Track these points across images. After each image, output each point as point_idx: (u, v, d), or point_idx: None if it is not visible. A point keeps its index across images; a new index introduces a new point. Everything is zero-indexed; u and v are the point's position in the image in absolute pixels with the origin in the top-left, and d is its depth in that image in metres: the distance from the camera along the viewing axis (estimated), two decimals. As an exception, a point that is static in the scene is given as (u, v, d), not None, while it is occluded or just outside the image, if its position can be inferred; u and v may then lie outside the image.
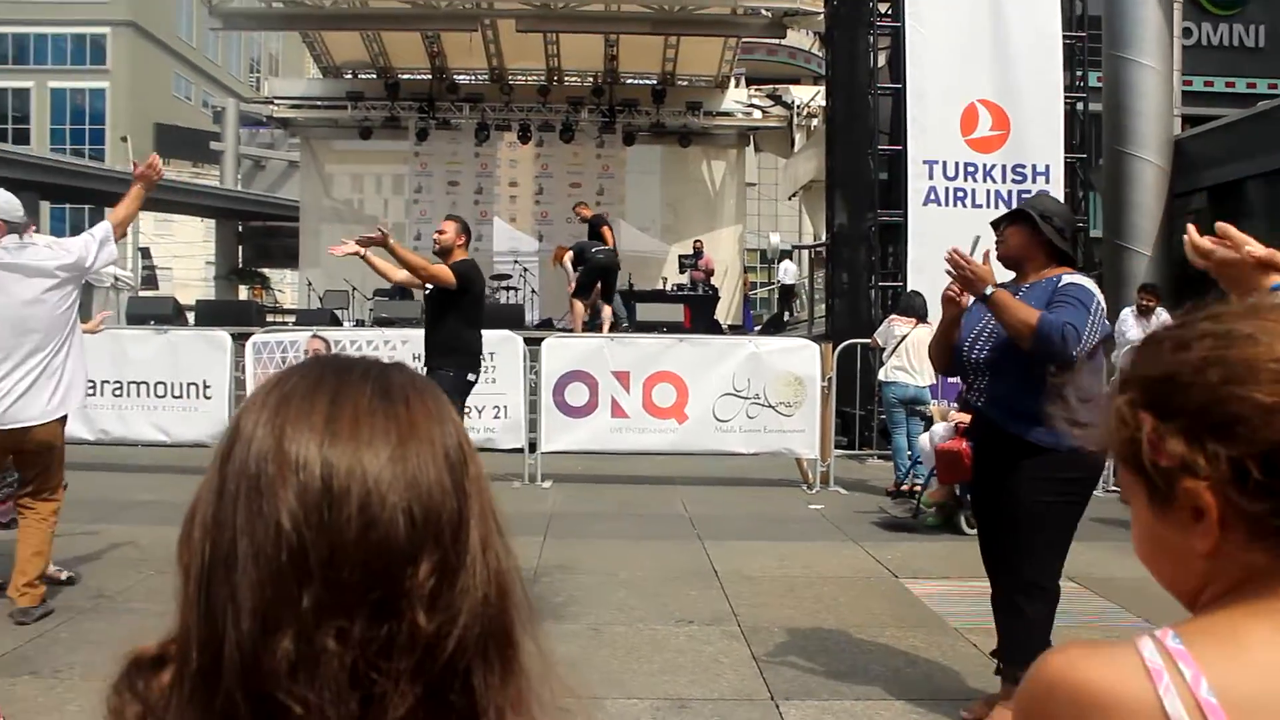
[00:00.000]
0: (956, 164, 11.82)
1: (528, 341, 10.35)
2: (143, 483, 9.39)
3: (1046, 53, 11.92)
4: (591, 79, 21.90)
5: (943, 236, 11.14)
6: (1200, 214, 16.00)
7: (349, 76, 22.44)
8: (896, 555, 7.12)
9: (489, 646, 0.77)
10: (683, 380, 9.97)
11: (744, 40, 21.51)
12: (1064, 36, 12.08)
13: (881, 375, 9.59)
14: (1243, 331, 0.91)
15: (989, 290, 3.95)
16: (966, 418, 7.75)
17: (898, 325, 9.47)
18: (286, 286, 34.48)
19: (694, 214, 22.76)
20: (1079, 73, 12.35)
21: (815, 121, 22.58)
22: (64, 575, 5.92)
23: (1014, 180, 11.80)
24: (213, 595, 0.73)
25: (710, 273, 20.45)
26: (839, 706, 4.34)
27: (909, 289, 10.58)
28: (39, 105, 47.69)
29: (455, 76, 21.83)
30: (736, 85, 23.27)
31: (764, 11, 18.06)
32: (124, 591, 5.87)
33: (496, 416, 10.04)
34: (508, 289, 19.44)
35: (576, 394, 9.95)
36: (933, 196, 11.82)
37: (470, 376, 6.67)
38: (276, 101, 23.18)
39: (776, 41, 24.28)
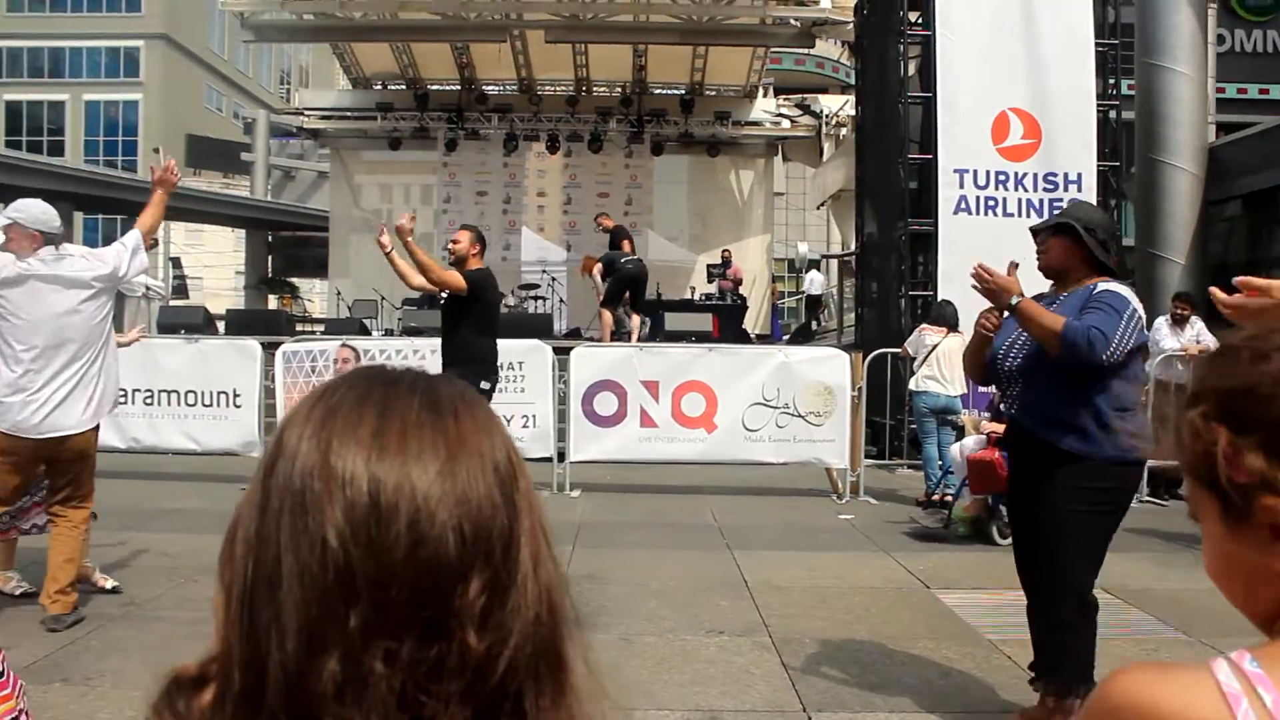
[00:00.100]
0: (988, 172, 11.76)
1: (556, 351, 10.34)
2: (173, 491, 9.45)
3: (1078, 60, 11.85)
4: (620, 89, 21.92)
5: (974, 245, 11.14)
6: (1234, 222, 15.86)
7: (378, 87, 22.54)
8: (928, 566, 7.06)
9: (540, 667, 0.75)
10: (712, 390, 9.93)
11: (772, 50, 21.48)
12: (1096, 44, 12.00)
13: (912, 385, 9.53)
14: None
15: (1014, 300, 3.92)
16: (999, 427, 7.71)
17: (929, 334, 9.41)
18: (315, 296, 34.62)
19: (722, 224, 22.71)
20: (1111, 80, 12.25)
21: (844, 131, 22.51)
22: (109, 584, 5.95)
23: (1046, 189, 11.73)
24: (256, 614, 0.72)
25: (739, 282, 20.41)
26: (872, 719, 4.30)
27: (939, 298, 10.54)
28: (73, 117, 48.25)
29: (484, 87, 21.90)
30: (765, 95, 23.25)
31: (793, 21, 18.00)
32: (154, 599, 5.89)
33: (525, 426, 10.02)
34: (536, 298, 19.46)
35: (605, 403, 9.93)
36: (963, 205, 11.77)
37: (485, 384, 6.63)
38: (306, 113, 23.34)
39: (805, 51, 24.30)
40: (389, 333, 17.58)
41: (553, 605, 0.76)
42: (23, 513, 5.85)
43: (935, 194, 11.84)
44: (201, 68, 51.53)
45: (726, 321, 16.58)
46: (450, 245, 6.95)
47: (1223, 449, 0.88)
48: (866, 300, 14.24)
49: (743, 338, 16.87)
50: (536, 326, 14.83)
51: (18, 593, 5.74)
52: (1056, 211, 11.29)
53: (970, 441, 8.29)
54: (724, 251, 21.17)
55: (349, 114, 22.65)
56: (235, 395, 10.31)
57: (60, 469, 5.44)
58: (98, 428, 5.52)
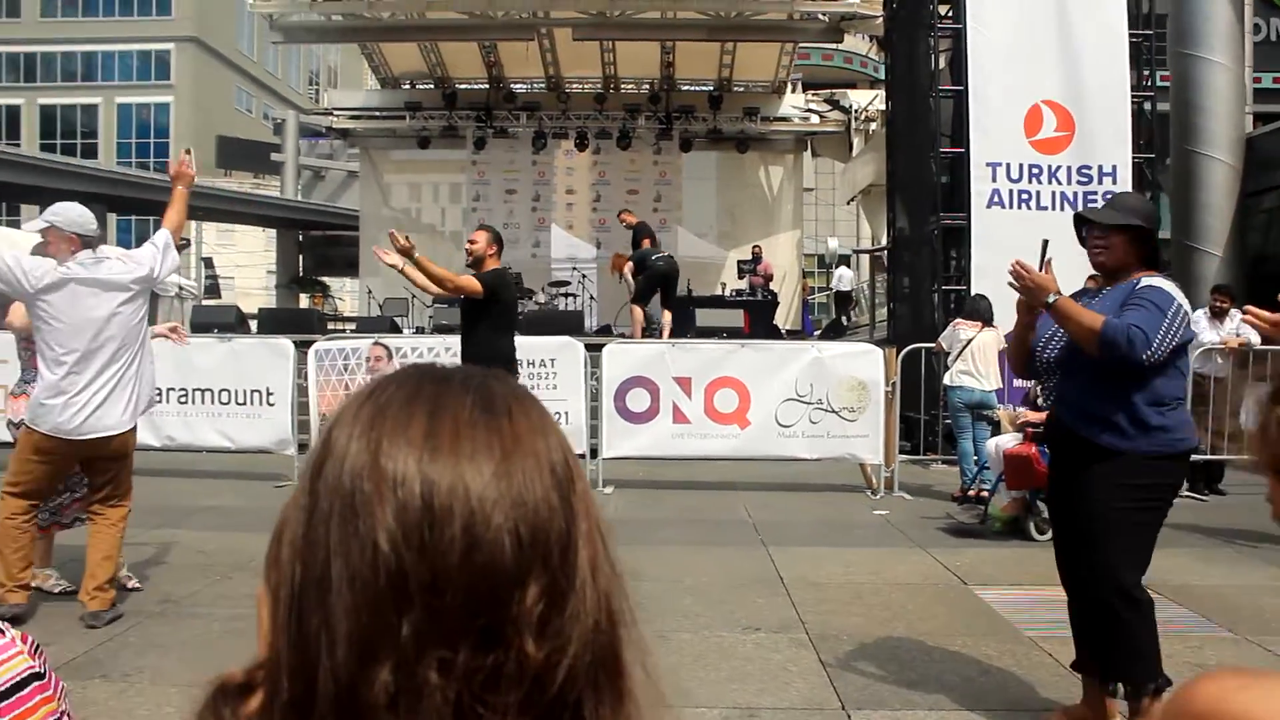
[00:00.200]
0: (1020, 166, 11.65)
1: (588, 348, 10.33)
2: (208, 488, 9.52)
3: (1112, 52, 11.72)
4: (648, 86, 21.89)
5: (1007, 239, 11.06)
6: (1273, 213, 15.65)
7: (407, 87, 22.61)
8: (964, 562, 6.99)
9: (599, 675, 0.71)
10: (745, 385, 9.88)
11: (800, 45, 21.39)
12: (1130, 34, 11.87)
13: (947, 379, 9.45)
14: None
15: (1051, 299, 3.84)
16: (1036, 415, 7.63)
17: (963, 329, 9.33)
18: (346, 295, 34.80)
19: (751, 220, 22.64)
20: (1146, 71, 12.10)
21: (874, 125, 22.40)
22: (131, 582, 5.98)
23: (1079, 182, 11.61)
24: (304, 621, 0.69)
25: (769, 278, 20.34)
26: (912, 717, 4.25)
27: (973, 293, 10.45)
28: (106, 120, 48.79)
29: (512, 85, 21.93)
30: (793, 90, 23.13)
31: (821, 16, 17.90)
32: (190, 596, 5.93)
33: (557, 422, 9.99)
34: (566, 295, 19.47)
35: (638, 400, 9.91)
36: (996, 199, 11.66)
37: None
38: (336, 113, 23.45)
39: (833, 46, 24.17)
40: (420, 331, 17.63)
41: (612, 611, 0.73)
42: (62, 509, 5.91)
43: (967, 188, 11.73)
44: (231, 70, 51.96)
45: (757, 317, 16.52)
46: (467, 246, 6.98)
47: None
48: (898, 295, 14.15)
49: (774, 334, 16.79)
50: (567, 324, 14.83)
51: (57, 590, 5.79)
52: (1093, 203, 11.29)
53: (1007, 437, 8.22)
54: (754, 247, 21.11)
55: (378, 114, 22.74)
56: (268, 393, 10.34)
57: (99, 468, 5.48)
58: (135, 427, 5.56)
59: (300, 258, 33.44)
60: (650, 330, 14.27)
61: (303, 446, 10.12)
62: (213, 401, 10.46)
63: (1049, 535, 7.49)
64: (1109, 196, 5.00)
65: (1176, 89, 14.87)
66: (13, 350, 6.41)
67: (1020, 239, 11.05)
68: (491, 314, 6.79)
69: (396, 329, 16.88)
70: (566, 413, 10.04)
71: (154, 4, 48.57)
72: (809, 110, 23.04)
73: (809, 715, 4.25)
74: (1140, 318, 3.68)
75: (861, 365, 9.88)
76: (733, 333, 13.56)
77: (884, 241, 17.27)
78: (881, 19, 15.67)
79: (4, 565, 5.27)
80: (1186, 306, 3.83)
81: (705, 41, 19.38)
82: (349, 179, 31.63)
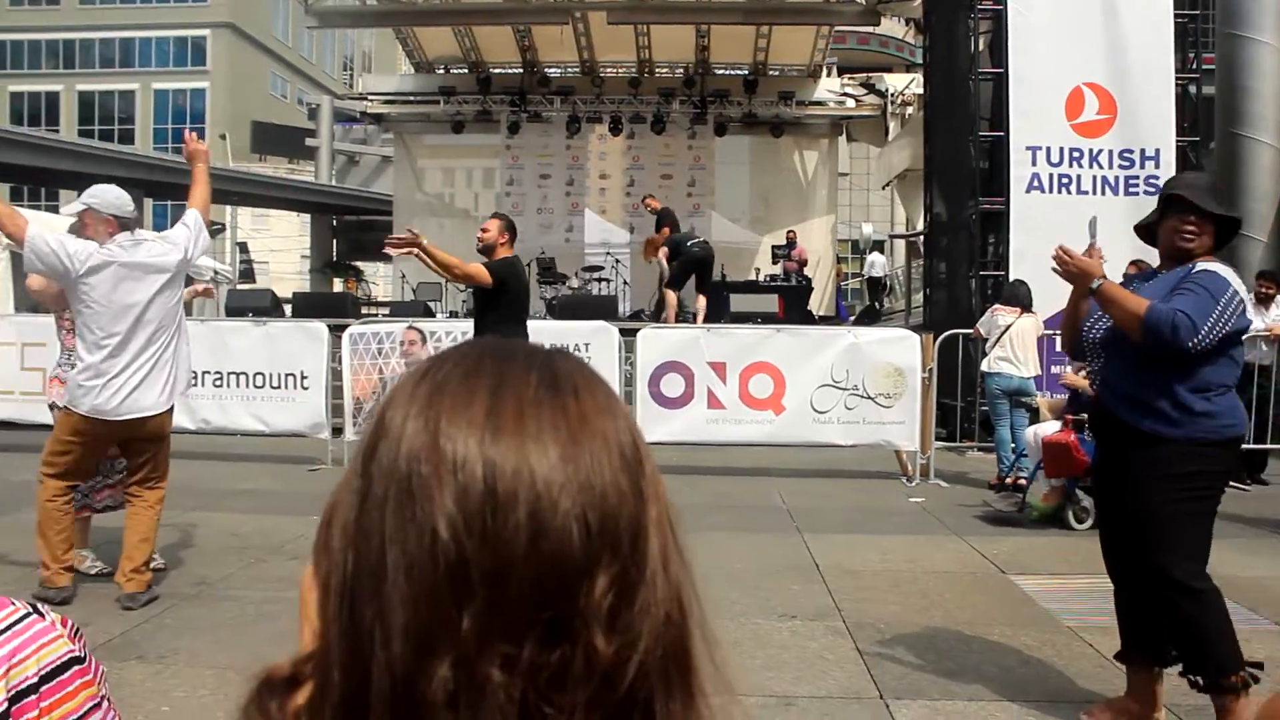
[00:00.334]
0: (1061, 149, 11.49)
1: (622, 332, 10.29)
2: (242, 471, 9.57)
3: (1156, 33, 11.51)
4: (682, 70, 21.79)
5: (1046, 224, 10.92)
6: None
7: (441, 71, 22.63)
8: (1003, 550, 6.91)
9: (671, 671, 0.66)
10: (780, 371, 9.81)
11: (836, 29, 21.21)
12: (1175, 15, 11.65)
13: (984, 366, 9.34)
14: None
15: (1096, 284, 3.74)
16: (1076, 380, 7.49)
17: (1001, 315, 9.22)
18: (380, 279, 34.97)
19: (785, 205, 22.53)
20: (1191, 54, 11.89)
21: (910, 110, 22.20)
22: (155, 562, 6.00)
23: (1121, 166, 11.44)
24: (357, 612, 0.64)
25: (804, 263, 20.25)
26: (951, 707, 4.18)
27: (1012, 278, 10.33)
28: (143, 106, 49.20)
29: (546, 70, 21.90)
30: (829, 74, 22.97)
31: (858, -1, 17.78)
32: (225, 579, 5.94)
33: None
34: (600, 280, 19.44)
35: (672, 385, 9.86)
36: (1036, 183, 11.51)
37: None
38: (370, 97, 23.49)
39: (869, 30, 23.94)
40: (454, 315, 17.66)
41: (683, 603, 0.68)
42: (94, 492, 5.94)
43: (1006, 172, 11.58)
44: (266, 55, 52.25)
45: (791, 303, 16.43)
46: (479, 234, 6.96)
47: None
48: (934, 281, 14.01)
49: (808, 319, 16.71)
50: (601, 308, 14.82)
51: (93, 572, 5.83)
52: (1134, 188, 11.14)
53: (1046, 424, 8.11)
54: (789, 232, 21.01)
55: (412, 98, 22.77)
56: (303, 377, 10.38)
57: (136, 449, 5.50)
58: (173, 409, 5.58)
59: (334, 242, 33.61)
60: (682, 316, 14.23)
61: (337, 430, 10.16)
62: (247, 385, 10.51)
63: (1089, 524, 7.44)
64: (1187, 177, 4.71)
65: (1222, 71, 14.57)
66: (52, 333, 6.45)
67: (1060, 224, 10.96)
68: (500, 304, 6.77)
69: (430, 313, 16.93)
70: (600, 397, 9.99)
71: (190, -10, 48.91)
72: (844, 94, 22.87)
73: (846, 704, 4.20)
74: (1189, 303, 3.56)
75: (898, 351, 9.79)
76: (767, 318, 13.50)
77: (920, 226, 17.13)
78: (920, 1, 15.51)
79: (48, 547, 5.30)
80: (1243, 293, 3.69)
81: (741, 25, 19.26)
82: (383, 164, 31.74)
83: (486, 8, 18.85)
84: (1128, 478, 3.76)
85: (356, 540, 0.65)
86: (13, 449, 10.12)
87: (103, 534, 6.05)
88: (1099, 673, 4.52)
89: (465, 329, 11.05)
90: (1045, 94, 11.51)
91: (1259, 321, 9.62)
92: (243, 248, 34.76)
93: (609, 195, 22.52)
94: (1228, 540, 6.99)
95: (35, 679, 1.05)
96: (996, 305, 9.52)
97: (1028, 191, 11.50)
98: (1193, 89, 11.92)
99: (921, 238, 15.98)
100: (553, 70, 22.07)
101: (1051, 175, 11.49)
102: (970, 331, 10.05)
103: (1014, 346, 9.04)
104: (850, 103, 22.91)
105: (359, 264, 33.41)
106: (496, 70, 21.94)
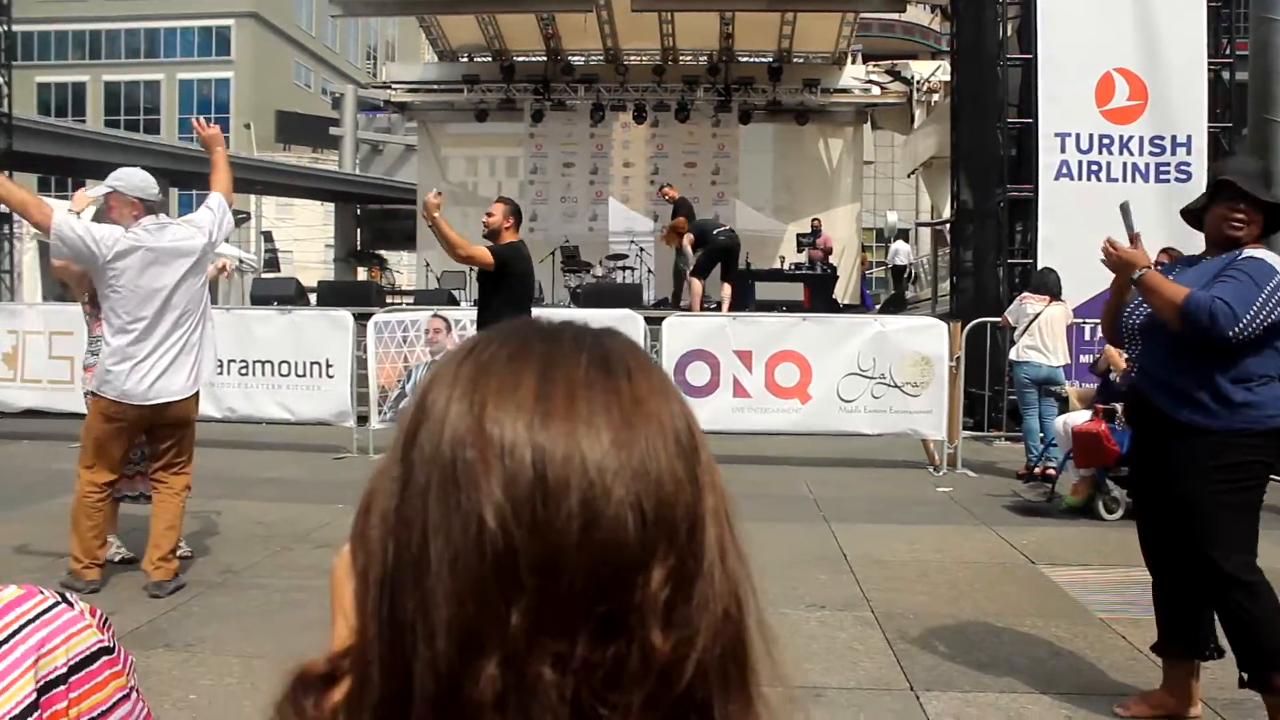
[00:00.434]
0: (1091, 136, 11.35)
1: (648, 320, 10.25)
2: (267, 460, 9.59)
3: (1189, 17, 11.34)
4: (706, 57, 21.67)
5: (1076, 212, 10.81)
6: (1353, 186, 15.14)
7: (465, 60, 22.60)
8: (1032, 540, 6.84)
9: (729, 669, 0.63)
10: (806, 360, 9.75)
11: (861, 16, 21.05)
12: (1208, 0, 11.48)
13: (1013, 355, 9.25)
14: None
15: (1138, 274, 3.67)
16: (1120, 360, 7.38)
17: (1030, 303, 9.12)
18: (404, 268, 35.04)
19: (810, 193, 22.41)
20: (1224, 39, 11.73)
21: (936, 97, 22.05)
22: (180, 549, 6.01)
23: (1152, 152, 11.30)
24: (398, 607, 0.61)
25: (829, 251, 20.16)
26: (983, 699, 4.13)
27: (1039, 266, 10.23)
28: (168, 96, 49.45)
29: (570, 58, 21.83)
30: (854, 61, 22.81)
31: (884, -15, 17.64)
32: (251, 567, 5.95)
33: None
34: (624, 269, 19.39)
35: (698, 373, 9.81)
36: (1065, 170, 11.38)
37: None
38: (394, 86, 23.48)
39: (894, 17, 23.80)
40: (477, 303, 17.63)
41: (740, 597, 0.65)
42: (124, 480, 5.94)
43: (1035, 159, 11.46)
44: (290, 45, 52.40)
45: (816, 291, 16.35)
46: (484, 218, 6.93)
47: None
48: (961, 269, 13.90)
49: (833, 308, 16.63)
50: (626, 296, 14.78)
51: (117, 559, 5.82)
52: (1165, 175, 11.00)
53: (1075, 414, 8.03)
54: (814, 220, 20.91)
55: (435, 87, 22.75)
56: (328, 365, 10.39)
57: (161, 434, 5.50)
58: (198, 395, 5.58)
59: (358, 231, 33.69)
60: (705, 306, 14.18)
61: (362, 418, 10.17)
62: (273, 373, 10.53)
63: (1119, 514, 7.37)
64: (1238, 162, 4.51)
65: (1256, 56, 14.34)
66: (79, 321, 6.47)
67: (1089, 211, 10.84)
68: (503, 288, 6.76)
69: (454, 301, 16.91)
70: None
71: (215, -20, 49.09)
72: (870, 82, 22.70)
73: (877, 696, 4.16)
74: (1230, 291, 3.46)
75: (925, 340, 9.71)
76: (792, 306, 13.43)
77: (946, 215, 17.01)
78: (947, -13, 15.37)
79: (80, 542, 5.31)
80: None
81: (765, 12, 19.13)
82: (406, 153, 31.74)
83: (510, -5, 18.83)
84: (1168, 469, 3.68)
85: (397, 530, 0.62)
86: (41, 437, 10.21)
87: (129, 521, 6.06)
88: (1132, 665, 4.47)
89: (489, 317, 11.06)
90: (1075, 80, 11.37)
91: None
92: (267, 237, 34.87)
93: (633, 184, 22.45)
94: (1268, 531, 6.93)
95: (64, 669, 1.04)
96: (1025, 293, 9.42)
97: (1056, 179, 11.38)
98: (1226, 75, 11.75)
99: (948, 226, 15.85)
100: (576, 58, 22.00)
101: (1081, 162, 11.36)
102: (998, 320, 9.97)
103: (1043, 335, 8.95)
104: (875, 90, 22.74)
105: (383, 253, 33.50)
106: (520, 58, 21.88)
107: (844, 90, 22.19)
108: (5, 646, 1.02)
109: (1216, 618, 3.77)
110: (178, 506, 5.51)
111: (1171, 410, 3.63)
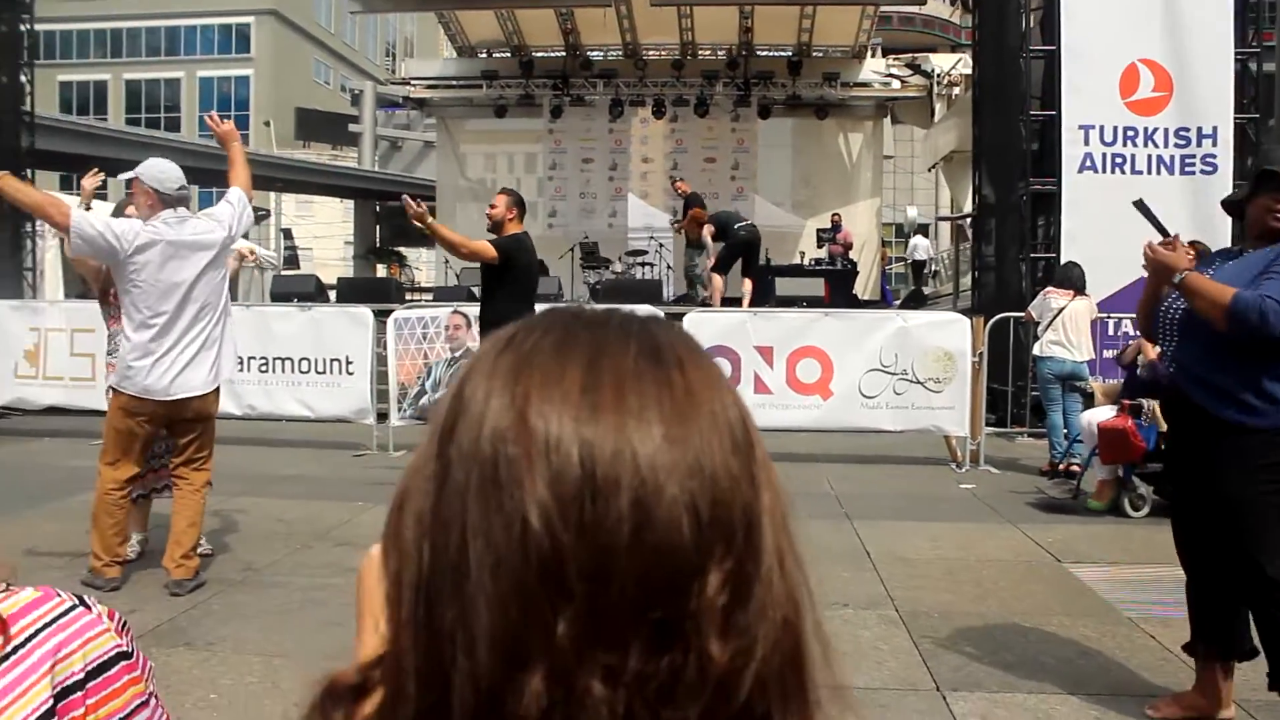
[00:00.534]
0: (1115, 128, 11.24)
1: (668, 316, 10.18)
2: (287, 457, 9.60)
3: (1215, 8, 11.21)
4: (725, 52, 21.57)
5: (1100, 205, 10.72)
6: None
7: (483, 56, 22.57)
8: (1057, 538, 6.77)
9: (788, 681, 0.59)
10: (828, 355, 9.70)
11: (881, 9, 20.93)
12: (1235, -12, 11.37)
13: (1037, 350, 9.16)
14: None
15: (1179, 277, 3.59)
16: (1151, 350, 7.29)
17: (1054, 298, 9.04)
18: (423, 265, 35.05)
19: (829, 188, 22.30)
20: (1251, 29, 11.60)
21: (956, 90, 21.93)
22: (202, 547, 6.00)
23: (1178, 144, 11.18)
24: (435, 615, 0.57)
25: (849, 246, 20.08)
26: (1011, 700, 4.09)
27: (1063, 260, 10.14)
28: (189, 94, 49.68)
29: (589, 53, 21.76)
30: (874, 55, 22.68)
31: (904, -23, 17.53)
32: (271, 565, 5.94)
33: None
34: (643, 265, 19.36)
35: (719, 369, 9.77)
36: (1089, 163, 11.28)
37: None
38: (413, 82, 23.48)
39: (915, 10, 23.67)
40: (480, 296, 17.62)
41: (799, 604, 0.60)
42: (151, 474, 5.93)
43: (1058, 152, 11.37)
44: (309, 42, 52.56)
45: (837, 287, 16.28)
46: (487, 211, 6.91)
47: None
48: (982, 264, 13.81)
49: (853, 303, 16.55)
50: (645, 292, 14.77)
51: (133, 555, 5.81)
52: (1191, 167, 10.89)
53: (1101, 410, 7.95)
54: (834, 215, 20.81)
55: (454, 83, 22.73)
56: (348, 362, 10.39)
57: (182, 429, 5.50)
58: (219, 390, 5.58)
59: (377, 228, 33.74)
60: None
61: (382, 415, 10.17)
62: (293, 370, 10.54)
63: (1145, 512, 7.30)
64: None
65: (1283, 45, 14.27)
66: (100, 318, 6.47)
67: (1113, 205, 10.72)
68: (506, 281, 6.71)
69: (474, 298, 16.86)
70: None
71: (234, -22, 49.30)
72: (890, 75, 22.57)
73: (902, 696, 4.12)
74: (1277, 288, 3.40)
75: (948, 335, 9.64)
76: (813, 301, 13.37)
77: (967, 209, 16.91)
78: (968, -21, 15.26)
79: (101, 539, 5.31)
80: None
81: (785, 5, 19.04)
82: (425, 149, 31.77)
83: (529, -10, 18.80)
84: (1212, 468, 3.59)
85: (434, 532, 0.58)
86: (63, 434, 10.26)
87: (151, 518, 6.07)
88: (1162, 665, 4.41)
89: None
90: (1098, 71, 11.27)
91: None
92: (287, 234, 34.98)
93: (651, 179, 22.38)
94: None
95: (81, 675, 1.02)
96: (1049, 288, 9.34)
97: (1080, 172, 11.28)
98: (1253, 65, 11.62)
99: (969, 220, 15.75)
100: (595, 53, 21.94)
101: (1105, 155, 11.26)
102: (1020, 315, 9.89)
103: (1067, 330, 8.87)
104: (895, 84, 22.60)
105: (402, 249, 33.53)
106: (539, 54, 21.84)
107: (864, 84, 22.05)
108: (22, 651, 1.00)
109: (1251, 618, 3.70)
110: (198, 503, 5.50)
111: (1215, 409, 3.55)
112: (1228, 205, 3.90)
